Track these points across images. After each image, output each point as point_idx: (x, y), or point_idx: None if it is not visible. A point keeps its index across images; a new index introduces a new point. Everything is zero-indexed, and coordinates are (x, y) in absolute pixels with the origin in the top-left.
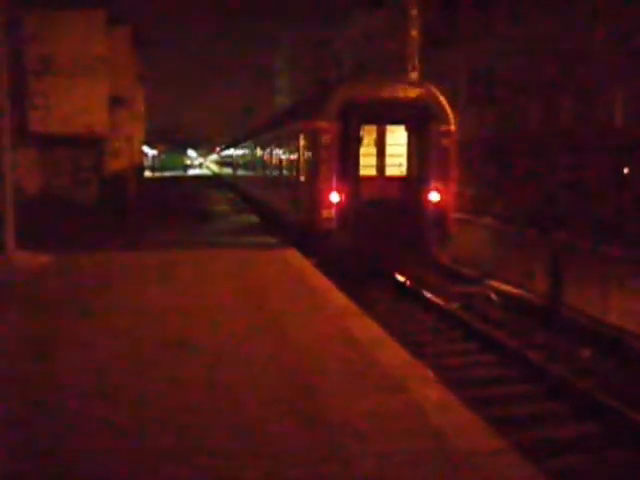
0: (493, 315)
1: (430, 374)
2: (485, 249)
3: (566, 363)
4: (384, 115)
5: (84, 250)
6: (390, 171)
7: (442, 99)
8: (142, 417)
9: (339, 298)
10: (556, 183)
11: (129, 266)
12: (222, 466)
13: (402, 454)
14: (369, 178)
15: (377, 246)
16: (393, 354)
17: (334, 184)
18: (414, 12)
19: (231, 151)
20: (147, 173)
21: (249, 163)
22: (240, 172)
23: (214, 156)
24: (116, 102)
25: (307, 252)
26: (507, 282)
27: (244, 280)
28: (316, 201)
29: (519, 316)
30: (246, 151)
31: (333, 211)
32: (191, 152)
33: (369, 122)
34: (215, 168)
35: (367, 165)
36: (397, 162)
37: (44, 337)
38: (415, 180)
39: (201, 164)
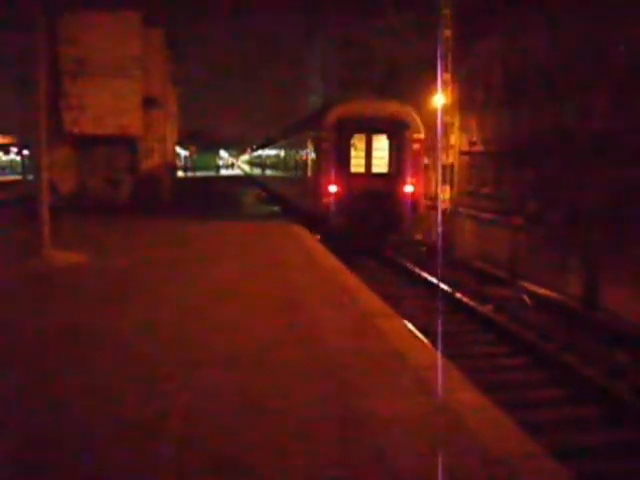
0: (527, 317)
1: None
2: (519, 250)
3: (600, 366)
4: (370, 127)
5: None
6: (375, 169)
7: (414, 113)
8: None
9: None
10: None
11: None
12: None
13: (437, 455)
14: (359, 174)
15: (364, 226)
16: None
17: (332, 178)
18: (446, 11)
19: (259, 152)
20: (180, 173)
21: (273, 163)
22: (266, 172)
23: (246, 156)
24: (149, 103)
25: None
26: (541, 283)
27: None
28: (318, 191)
29: (553, 318)
30: (270, 153)
31: (331, 199)
32: (223, 153)
33: (359, 132)
34: (247, 168)
35: (357, 164)
36: (380, 162)
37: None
38: (394, 176)
39: (233, 164)
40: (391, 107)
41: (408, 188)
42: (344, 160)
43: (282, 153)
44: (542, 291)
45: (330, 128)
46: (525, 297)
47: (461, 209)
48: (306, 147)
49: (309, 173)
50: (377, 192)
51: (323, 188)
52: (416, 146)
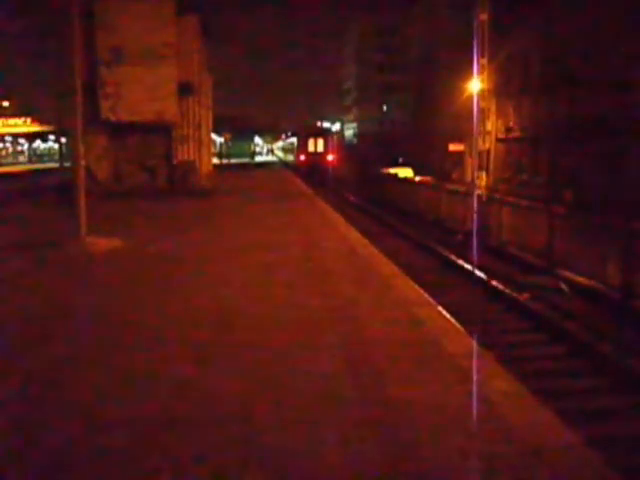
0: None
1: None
2: (554, 237)
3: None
4: (315, 134)
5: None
6: (317, 149)
7: (331, 128)
8: None
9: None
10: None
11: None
12: None
13: (471, 447)
14: (312, 152)
15: (314, 173)
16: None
17: (302, 153)
18: None
19: (282, 143)
20: (214, 160)
21: (286, 150)
22: (288, 155)
23: (280, 143)
24: (185, 90)
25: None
26: (579, 272)
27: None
28: (298, 158)
29: (590, 307)
30: (284, 144)
31: (301, 161)
32: (258, 139)
33: (311, 136)
34: (281, 154)
35: (311, 147)
36: (320, 147)
37: None
38: (324, 152)
39: (267, 151)
40: (322, 127)
41: (330, 157)
42: (306, 146)
43: (288, 145)
44: (580, 279)
45: (302, 135)
46: (563, 285)
47: (497, 196)
48: (294, 142)
49: (295, 152)
50: (318, 158)
51: (299, 157)
52: (332, 141)
